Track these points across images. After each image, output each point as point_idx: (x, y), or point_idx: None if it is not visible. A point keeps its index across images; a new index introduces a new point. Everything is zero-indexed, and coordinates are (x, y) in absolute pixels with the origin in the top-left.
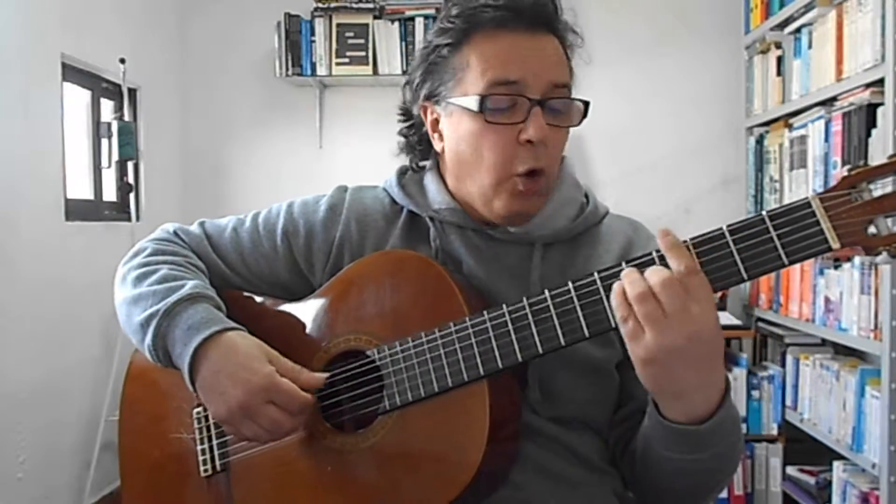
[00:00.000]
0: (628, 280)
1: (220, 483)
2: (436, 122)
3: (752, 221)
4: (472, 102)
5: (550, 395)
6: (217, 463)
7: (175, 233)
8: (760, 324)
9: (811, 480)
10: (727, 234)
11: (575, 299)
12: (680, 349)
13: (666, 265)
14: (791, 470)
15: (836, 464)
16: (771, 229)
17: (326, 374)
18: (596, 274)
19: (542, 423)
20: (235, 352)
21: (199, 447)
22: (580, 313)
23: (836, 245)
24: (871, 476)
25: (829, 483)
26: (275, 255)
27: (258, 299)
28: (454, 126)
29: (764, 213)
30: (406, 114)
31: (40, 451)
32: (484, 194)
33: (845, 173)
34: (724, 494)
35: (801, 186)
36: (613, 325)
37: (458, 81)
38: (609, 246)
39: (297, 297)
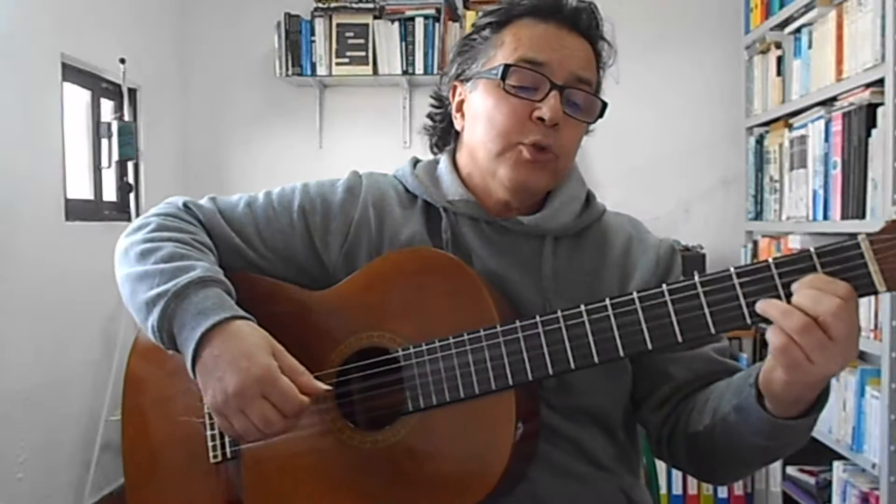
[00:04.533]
0: (779, 311)
1: (229, 470)
2: (461, 102)
3: (799, 257)
4: (497, 71)
5: (566, 383)
6: (228, 450)
7: (185, 206)
8: (761, 323)
9: (811, 480)
10: (773, 268)
11: (612, 317)
12: (839, 370)
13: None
14: (791, 470)
15: (836, 464)
16: (818, 266)
17: (329, 387)
18: (635, 293)
19: (555, 419)
20: (240, 340)
21: (208, 432)
22: (616, 332)
23: (882, 289)
24: (871, 476)
25: (829, 483)
26: (291, 231)
27: (278, 286)
28: (476, 101)
29: (811, 249)
30: (438, 99)
31: (40, 451)
32: (490, 165)
33: (895, 217)
34: (724, 494)
35: (801, 186)
36: (650, 347)
37: (489, 59)
38: (613, 242)
39: (310, 278)
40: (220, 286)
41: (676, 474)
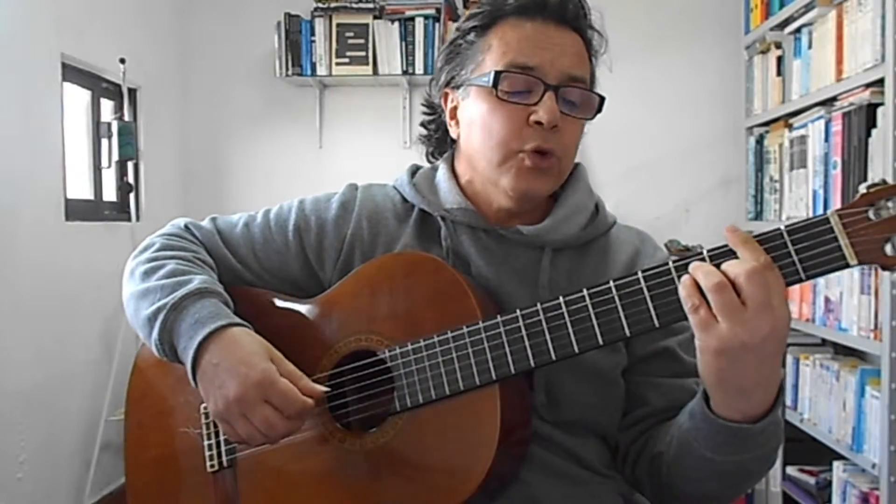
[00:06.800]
0: (703, 271)
1: (226, 479)
2: (454, 109)
3: (771, 235)
4: (488, 78)
5: (555, 399)
6: (224, 459)
7: (186, 227)
8: None
9: (811, 480)
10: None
11: (590, 307)
12: (756, 343)
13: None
14: (791, 470)
15: (836, 464)
16: (789, 244)
17: (327, 389)
18: (612, 282)
19: (547, 427)
20: (238, 347)
21: (205, 442)
22: (595, 321)
23: (853, 262)
24: (871, 476)
25: (829, 483)
26: (286, 251)
27: (270, 296)
28: (470, 108)
29: (782, 227)
30: (429, 106)
31: (40, 451)
32: (491, 174)
33: (864, 190)
34: None
35: (801, 186)
36: (628, 333)
37: (478, 65)
38: (617, 256)
39: (306, 294)
40: (218, 297)
41: None
